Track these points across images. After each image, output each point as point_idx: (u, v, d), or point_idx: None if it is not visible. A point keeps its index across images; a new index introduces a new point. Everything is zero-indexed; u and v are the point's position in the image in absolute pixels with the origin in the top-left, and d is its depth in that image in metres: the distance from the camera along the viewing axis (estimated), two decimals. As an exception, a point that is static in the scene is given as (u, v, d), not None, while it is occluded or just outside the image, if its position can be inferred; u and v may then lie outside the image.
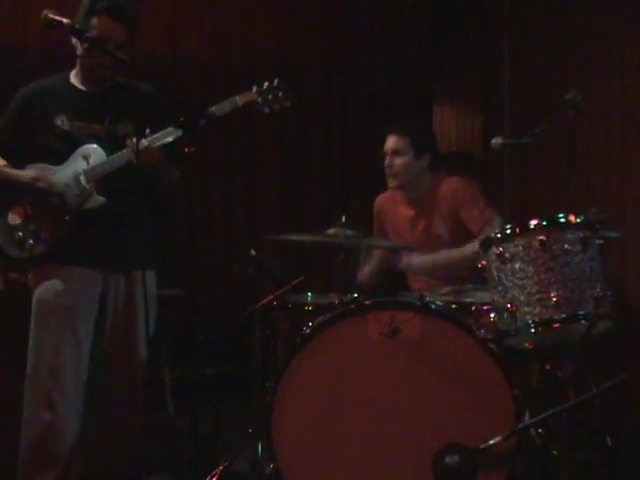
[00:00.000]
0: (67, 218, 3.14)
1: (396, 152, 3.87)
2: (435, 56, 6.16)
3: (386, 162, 3.91)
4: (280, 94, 3.23)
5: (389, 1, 6.03)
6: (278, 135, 5.81)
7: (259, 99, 3.22)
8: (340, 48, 5.94)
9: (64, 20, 2.84)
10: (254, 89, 3.22)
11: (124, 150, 3.10)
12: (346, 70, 5.96)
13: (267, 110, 3.25)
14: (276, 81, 3.23)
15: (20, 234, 3.13)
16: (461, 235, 3.73)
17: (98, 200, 3.15)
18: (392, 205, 4.03)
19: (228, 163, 5.72)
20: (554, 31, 5.02)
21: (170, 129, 3.07)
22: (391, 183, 3.94)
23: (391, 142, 3.90)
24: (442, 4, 6.05)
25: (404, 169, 3.87)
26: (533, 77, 5.20)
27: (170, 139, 3.08)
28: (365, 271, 4.00)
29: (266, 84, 3.23)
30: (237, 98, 3.18)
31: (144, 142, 3.05)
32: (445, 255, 3.71)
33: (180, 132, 2.98)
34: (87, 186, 3.13)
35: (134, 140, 3.03)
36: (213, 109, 3.11)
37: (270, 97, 3.22)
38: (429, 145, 3.96)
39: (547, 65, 5.05)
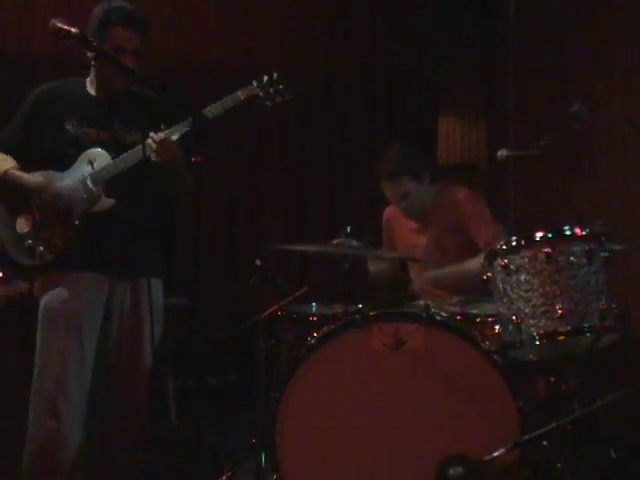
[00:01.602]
0: (77, 223, 3.14)
1: (403, 195, 3.83)
2: (439, 67, 6.16)
3: (401, 207, 3.87)
4: (281, 87, 3.24)
5: (392, 7, 6.04)
6: (282, 144, 5.82)
7: (261, 93, 3.23)
8: (343, 57, 5.95)
9: (72, 30, 2.85)
10: (254, 83, 3.23)
11: (130, 151, 3.11)
12: (349, 80, 5.96)
13: (269, 104, 3.25)
14: (275, 74, 3.25)
15: (30, 242, 3.13)
16: (468, 248, 3.73)
17: (107, 202, 3.15)
18: (399, 217, 4.03)
19: (233, 172, 5.73)
20: (559, 42, 5.03)
21: (182, 123, 3.08)
22: (410, 215, 3.93)
23: (392, 189, 3.82)
24: (445, 13, 6.06)
25: (416, 200, 3.85)
26: (538, 88, 5.20)
27: (182, 132, 3.09)
28: (376, 266, 4.00)
29: (265, 78, 3.24)
30: (239, 93, 3.20)
31: (161, 135, 3.06)
32: (454, 270, 3.72)
33: (187, 127, 3.01)
34: (94, 189, 3.14)
35: (154, 133, 3.04)
36: (217, 105, 3.12)
37: (271, 90, 3.23)
38: (423, 165, 3.91)
39: (551, 76, 5.06)
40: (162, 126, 3.09)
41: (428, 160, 3.98)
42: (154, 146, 3.05)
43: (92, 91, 3.27)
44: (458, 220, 3.80)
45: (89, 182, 3.14)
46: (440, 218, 3.85)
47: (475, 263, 3.52)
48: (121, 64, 2.98)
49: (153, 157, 3.08)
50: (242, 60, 5.68)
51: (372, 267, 4.00)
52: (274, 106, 3.27)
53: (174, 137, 3.08)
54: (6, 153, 3.24)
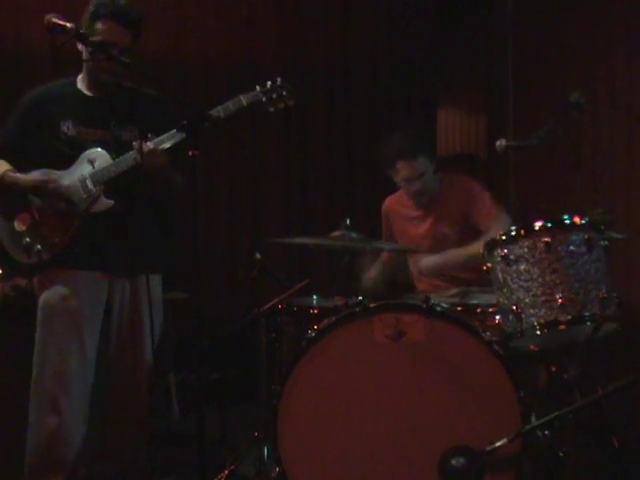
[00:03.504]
0: (75, 222, 3.14)
1: (419, 175, 3.80)
2: (439, 58, 6.15)
3: (415, 188, 3.83)
4: (284, 93, 3.25)
5: (394, 2, 6.03)
6: (282, 137, 5.81)
7: (263, 98, 3.23)
8: (342, 49, 5.94)
9: (67, 24, 2.84)
10: (257, 89, 3.23)
11: (130, 153, 3.11)
12: (349, 72, 5.96)
13: (272, 109, 3.27)
14: (279, 80, 3.25)
15: (27, 239, 3.13)
16: (469, 234, 3.73)
17: (106, 203, 3.15)
18: (400, 206, 4.03)
19: (232, 166, 5.72)
20: (558, 32, 5.02)
21: (173, 132, 3.08)
22: (419, 201, 3.92)
23: (408, 169, 3.78)
24: (446, 6, 6.05)
25: (429, 184, 3.85)
26: (537, 78, 5.19)
27: (173, 142, 3.09)
28: (371, 275, 4.00)
29: (269, 83, 3.24)
30: (242, 98, 3.20)
31: (149, 144, 3.06)
32: (454, 254, 3.71)
33: (183, 135, 2.99)
34: (94, 189, 3.14)
35: (139, 143, 3.04)
36: (218, 109, 3.12)
37: (274, 96, 3.24)
38: (433, 147, 3.94)
39: (551, 66, 5.04)
40: (149, 135, 3.09)
41: (435, 145, 3.98)
42: (139, 157, 3.05)
43: (85, 89, 3.26)
44: (462, 208, 3.81)
45: (89, 182, 3.14)
46: (444, 205, 3.86)
47: (476, 248, 3.52)
48: (117, 58, 2.96)
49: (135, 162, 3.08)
50: (241, 58, 5.67)
51: (372, 271, 4.01)
52: (276, 111, 3.27)
53: (162, 147, 3.08)
54: (1, 156, 3.24)
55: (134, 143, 3.08)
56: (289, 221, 5.77)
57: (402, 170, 3.81)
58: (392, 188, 4.06)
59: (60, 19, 2.83)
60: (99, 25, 3.09)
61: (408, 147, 3.79)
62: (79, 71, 3.28)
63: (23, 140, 3.22)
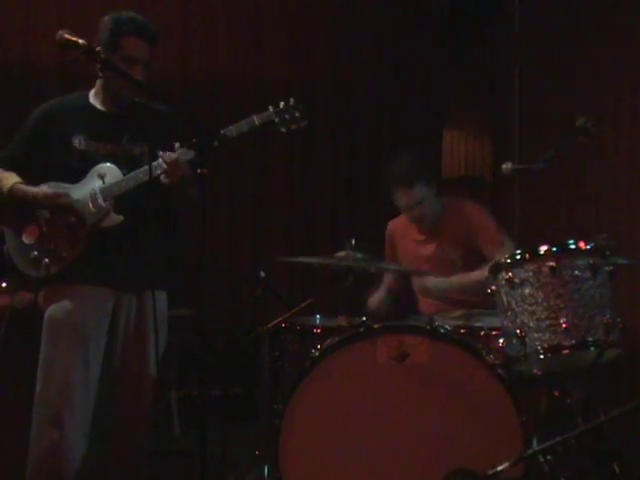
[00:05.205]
0: (84, 237, 3.14)
1: (417, 202, 3.81)
2: (444, 80, 6.18)
3: (415, 215, 3.84)
4: (297, 114, 3.23)
5: (400, 23, 6.06)
6: (286, 155, 5.83)
7: (276, 119, 3.22)
8: (348, 70, 5.97)
9: (80, 41, 2.85)
10: (270, 109, 3.23)
11: (141, 169, 3.11)
12: (354, 93, 5.98)
13: (284, 130, 3.25)
14: (292, 101, 3.23)
15: (35, 253, 3.13)
16: (474, 259, 3.74)
17: (115, 218, 3.15)
18: (404, 229, 4.03)
19: (236, 184, 5.74)
20: (564, 55, 5.04)
21: (184, 149, 3.09)
22: (422, 226, 3.92)
23: (411, 196, 3.78)
24: (453, 29, 6.08)
25: (429, 210, 3.85)
26: (543, 101, 5.21)
27: (190, 157, 3.09)
28: (375, 298, 4.01)
29: (282, 104, 3.23)
30: (255, 118, 3.18)
31: (173, 155, 3.06)
32: (459, 279, 3.72)
33: (192, 153, 3.00)
34: (104, 205, 3.14)
35: (165, 154, 3.04)
36: (231, 128, 3.12)
37: (287, 117, 3.22)
38: (433, 173, 3.93)
39: (557, 89, 5.06)
40: (176, 145, 3.09)
41: (435, 170, 3.98)
42: (165, 167, 3.05)
43: (97, 104, 3.27)
44: (466, 232, 3.81)
45: (99, 197, 3.14)
46: (448, 229, 3.85)
47: (480, 274, 3.52)
48: (128, 75, 2.99)
49: (162, 178, 3.08)
50: (248, 77, 5.70)
51: (376, 294, 4.02)
52: (288, 132, 3.26)
53: (186, 158, 3.08)
54: (9, 170, 3.25)
55: (162, 154, 3.07)
56: (293, 239, 5.78)
57: (400, 198, 3.83)
58: (395, 208, 4.07)
59: (72, 35, 2.85)
60: (123, 41, 3.11)
61: (405, 175, 3.80)
62: (88, 87, 3.30)
63: (33, 153, 3.22)
